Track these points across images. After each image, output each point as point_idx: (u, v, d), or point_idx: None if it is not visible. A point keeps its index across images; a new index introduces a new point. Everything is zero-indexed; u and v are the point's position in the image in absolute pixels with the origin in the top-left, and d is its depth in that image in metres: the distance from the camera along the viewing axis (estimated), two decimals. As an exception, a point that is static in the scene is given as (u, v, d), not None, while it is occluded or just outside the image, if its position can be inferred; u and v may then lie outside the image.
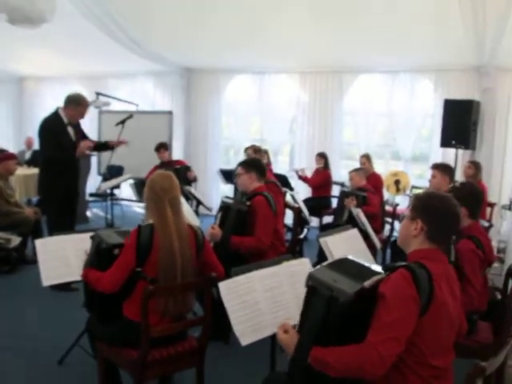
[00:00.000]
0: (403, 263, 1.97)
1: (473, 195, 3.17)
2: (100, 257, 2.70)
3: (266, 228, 3.73)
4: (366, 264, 2.05)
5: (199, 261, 2.75)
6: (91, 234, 2.88)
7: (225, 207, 3.84)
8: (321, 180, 7.50)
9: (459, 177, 7.12)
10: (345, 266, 2.01)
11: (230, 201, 3.89)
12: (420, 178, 8.07)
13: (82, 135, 5.10)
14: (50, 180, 4.91)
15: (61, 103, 4.95)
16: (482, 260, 2.99)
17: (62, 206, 4.94)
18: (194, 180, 7.37)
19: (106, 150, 5.51)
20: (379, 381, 1.89)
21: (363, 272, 1.97)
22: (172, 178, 2.77)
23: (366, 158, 6.99)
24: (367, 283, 1.85)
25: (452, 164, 6.91)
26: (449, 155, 7.43)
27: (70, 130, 4.92)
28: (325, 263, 2.06)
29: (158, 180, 2.72)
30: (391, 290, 1.86)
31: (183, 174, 6.98)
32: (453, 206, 2.07)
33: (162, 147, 7.48)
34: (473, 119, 6.86)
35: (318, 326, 1.86)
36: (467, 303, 2.83)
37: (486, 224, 4.38)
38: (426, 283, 1.86)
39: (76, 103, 4.87)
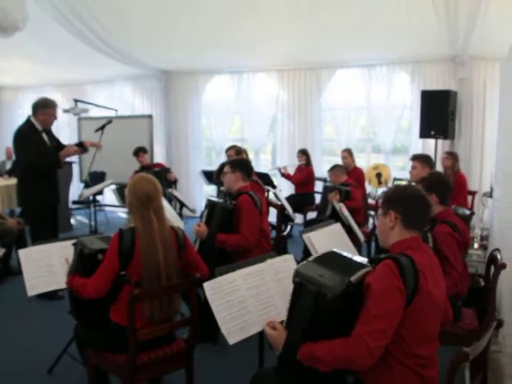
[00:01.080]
0: (389, 255, 2.00)
1: (440, 182, 3.33)
2: (84, 263, 2.69)
3: (252, 226, 3.75)
4: (352, 257, 2.07)
5: (182, 261, 2.76)
6: (74, 241, 2.87)
7: (210, 205, 3.85)
8: (303, 177, 7.53)
9: (439, 167, 7.21)
10: (331, 260, 2.02)
11: (216, 199, 3.91)
12: (402, 170, 8.14)
13: (56, 142, 5.09)
14: (29, 189, 4.87)
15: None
16: (460, 242, 3.08)
17: (43, 214, 4.91)
18: (175, 181, 7.36)
19: (83, 151, 5.28)
20: (366, 371, 1.92)
21: (349, 265, 1.98)
22: (155, 183, 2.74)
23: (348, 153, 7.03)
24: (354, 278, 1.87)
25: (432, 154, 6.98)
26: (428, 146, 7.50)
27: (45, 136, 4.91)
28: (311, 258, 2.07)
29: (142, 185, 2.68)
30: (378, 281, 1.88)
31: (163, 176, 6.97)
32: (417, 190, 2.20)
33: (141, 151, 7.46)
34: (450, 109, 6.93)
35: (306, 322, 1.88)
36: (451, 286, 2.89)
37: (468, 212, 4.43)
38: (411, 273, 1.89)
39: (43, 106, 4.85)
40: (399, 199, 2.13)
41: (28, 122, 4.87)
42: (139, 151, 7.43)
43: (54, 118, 4.96)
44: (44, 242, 3.39)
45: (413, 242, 2.08)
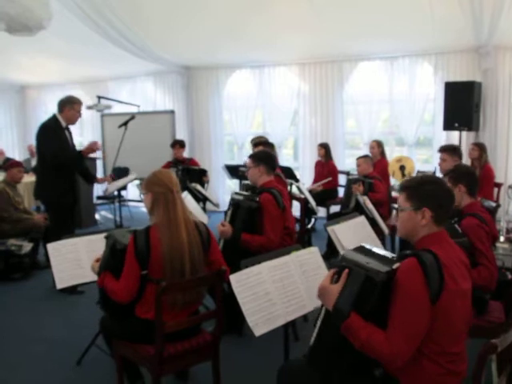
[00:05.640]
0: (413, 252, 1.99)
1: (468, 173, 3.30)
2: (116, 258, 2.71)
3: (275, 226, 3.70)
4: (382, 252, 2.09)
5: (206, 259, 2.77)
6: (104, 234, 2.91)
7: (235, 204, 3.80)
8: (325, 173, 7.49)
9: (464, 159, 7.11)
10: (368, 252, 2.05)
11: (240, 197, 3.83)
12: (426, 163, 8.06)
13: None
14: (46, 184, 4.98)
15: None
16: (488, 233, 3.04)
17: (59, 210, 5.00)
18: (207, 182, 7.37)
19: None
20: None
21: (385, 257, 2.00)
22: (172, 173, 2.85)
23: (376, 143, 7.04)
24: (395, 266, 1.90)
25: (456, 147, 6.89)
26: (452, 138, 7.40)
27: (67, 133, 5.04)
28: (350, 249, 2.11)
29: (163, 174, 2.80)
30: (404, 283, 1.87)
31: (198, 175, 6.99)
32: (445, 184, 2.17)
33: (178, 144, 7.48)
34: (475, 100, 6.83)
35: (353, 302, 1.92)
36: (486, 277, 2.87)
37: (494, 204, 4.36)
38: (435, 271, 1.87)
39: (71, 103, 4.98)
40: (435, 196, 2.06)
41: (53, 118, 4.99)
42: (176, 144, 7.47)
43: (79, 115, 5.10)
44: (72, 236, 3.45)
45: (439, 235, 2.07)
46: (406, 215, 2.10)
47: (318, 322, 2.08)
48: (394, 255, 2.03)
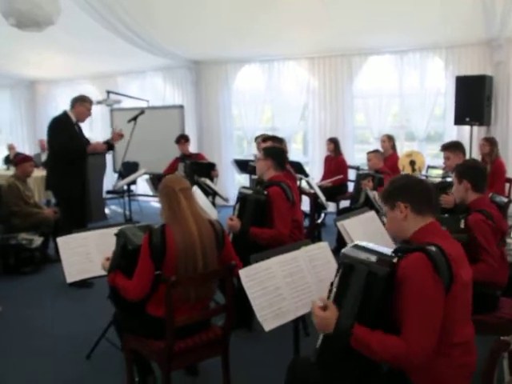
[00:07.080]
0: (417, 246, 1.97)
1: (473, 168, 3.24)
2: (127, 258, 2.70)
3: (284, 219, 3.70)
4: (379, 248, 2.06)
5: (220, 256, 2.76)
6: (114, 229, 2.88)
7: (242, 198, 3.80)
8: (334, 168, 7.45)
9: (475, 154, 7.05)
10: (366, 248, 2.03)
11: (248, 191, 3.84)
12: (436, 158, 7.99)
13: (85, 138, 5.33)
14: (56, 176, 5.09)
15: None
16: (494, 228, 3.00)
17: (69, 202, 5.10)
18: (216, 176, 7.34)
19: (110, 149, 5.66)
20: None
21: (383, 253, 1.97)
22: (182, 178, 2.89)
23: (387, 137, 6.98)
24: (395, 260, 1.89)
25: (467, 141, 6.83)
26: (463, 133, 7.35)
27: (77, 129, 5.16)
28: (348, 246, 2.10)
29: (167, 177, 2.86)
30: (416, 280, 1.85)
31: (206, 169, 6.97)
32: (412, 176, 2.30)
33: (183, 138, 7.48)
34: (486, 94, 6.76)
35: (358, 302, 1.89)
36: (489, 273, 2.85)
37: (505, 200, 4.32)
38: (444, 264, 1.87)
39: (81, 100, 5.13)
40: (401, 189, 2.13)
41: (64, 113, 5.12)
42: (181, 139, 7.47)
43: (89, 113, 5.22)
44: (82, 230, 3.46)
45: (433, 228, 2.08)
46: (388, 218, 2.20)
47: None
48: (390, 250, 2.01)
